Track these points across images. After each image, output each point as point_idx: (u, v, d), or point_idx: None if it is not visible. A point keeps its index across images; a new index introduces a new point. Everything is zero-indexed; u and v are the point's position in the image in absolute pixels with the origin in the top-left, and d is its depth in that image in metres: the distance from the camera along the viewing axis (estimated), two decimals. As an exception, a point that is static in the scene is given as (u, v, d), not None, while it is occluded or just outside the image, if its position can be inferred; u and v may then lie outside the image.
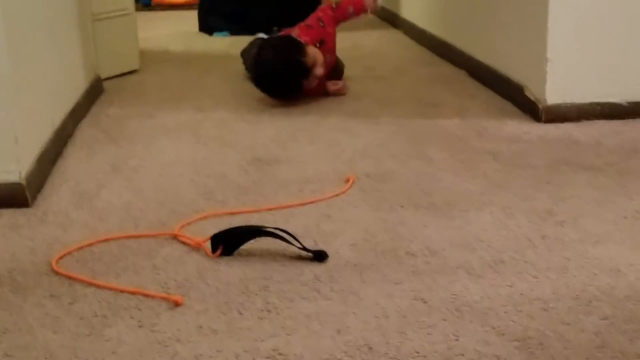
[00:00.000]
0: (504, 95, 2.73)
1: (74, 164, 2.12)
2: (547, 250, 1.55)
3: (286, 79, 2.66)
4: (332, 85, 2.87)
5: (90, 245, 1.58)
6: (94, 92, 2.86)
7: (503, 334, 1.24)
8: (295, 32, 2.81)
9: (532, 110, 2.49)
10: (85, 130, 2.45)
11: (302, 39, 2.73)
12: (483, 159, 2.11)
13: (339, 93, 2.88)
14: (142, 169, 2.07)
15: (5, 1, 1.75)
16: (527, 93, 2.53)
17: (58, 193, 1.88)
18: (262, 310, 1.32)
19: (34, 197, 1.82)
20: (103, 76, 3.10)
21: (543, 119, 2.43)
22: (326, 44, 2.82)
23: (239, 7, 4.35)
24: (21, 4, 1.93)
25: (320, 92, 2.86)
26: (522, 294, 1.37)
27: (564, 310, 1.31)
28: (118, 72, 3.28)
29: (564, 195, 1.84)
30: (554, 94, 2.42)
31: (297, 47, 2.67)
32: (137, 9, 3.51)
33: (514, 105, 2.62)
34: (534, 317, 1.29)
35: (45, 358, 1.17)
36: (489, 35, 2.93)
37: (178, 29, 4.58)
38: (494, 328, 1.26)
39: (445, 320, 1.28)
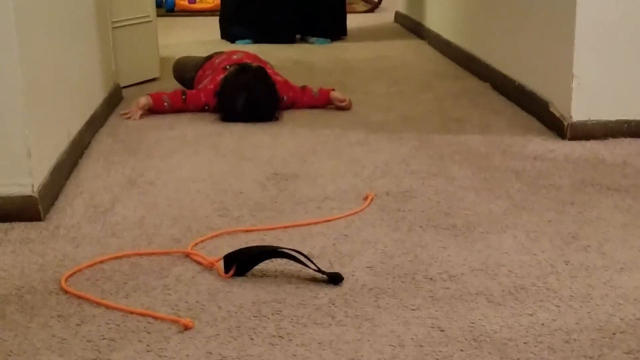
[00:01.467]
0: (529, 110, 2.67)
1: (90, 176, 2.09)
2: (570, 277, 1.49)
3: (273, 96, 2.65)
4: (338, 101, 2.83)
5: (101, 262, 1.55)
6: (113, 100, 2.84)
7: (523, 368, 1.19)
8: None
9: (557, 127, 2.43)
10: (102, 141, 2.43)
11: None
12: (506, 178, 2.06)
13: (340, 104, 2.83)
14: (158, 183, 2.04)
15: (19, 7, 1.72)
16: (552, 109, 2.47)
17: (72, 206, 1.86)
18: (274, 336, 1.28)
19: (47, 211, 1.80)
20: (122, 84, 3.08)
21: (568, 136, 2.37)
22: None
23: (261, 15, 4.33)
24: (36, 10, 1.91)
25: (325, 104, 2.84)
26: (543, 324, 1.32)
27: (587, 343, 1.26)
28: (138, 80, 3.26)
29: (589, 218, 1.78)
30: (580, 111, 2.37)
31: (264, 70, 2.70)
32: (159, 14, 3.49)
33: (539, 121, 2.56)
34: (556, 349, 1.24)
35: (50, 383, 1.14)
36: (515, 49, 2.88)
37: (200, 37, 4.57)
38: (513, 361, 1.21)
39: (462, 351, 1.24)
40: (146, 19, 3.28)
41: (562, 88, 2.40)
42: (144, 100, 2.70)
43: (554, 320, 1.33)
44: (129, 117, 2.67)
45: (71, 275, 1.49)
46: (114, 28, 3.02)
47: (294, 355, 1.22)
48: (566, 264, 1.55)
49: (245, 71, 2.65)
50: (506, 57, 2.98)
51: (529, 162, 2.19)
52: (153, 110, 2.71)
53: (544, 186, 1.99)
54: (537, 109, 2.60)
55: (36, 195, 1.75)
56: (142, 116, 2.67)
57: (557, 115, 2.43)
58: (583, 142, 2.34)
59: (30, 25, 1.83)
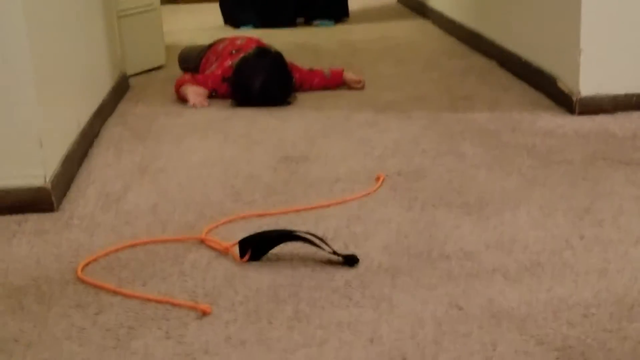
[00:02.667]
0: (536, 87, 2.66)
1: (100, 165, 2.10)
2: (585, 251, 1.49)
3: (289, 80, 2.65)
4: (352, 82, 2.83)
5: (116, 251, 1.56)
6: (120, 89, 2.84)
7: (542, 343, 1.19)
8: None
9: (565, 102, 2.42)
10: (111, 130, 2.43)
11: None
12: (517, 154, 2.05)
13: (356, 86, 2.83)
14: (169, 170, 2.04)
15: (28, 4, 1.72)
16: (560, 85, 2.46)
17: (84, 196, 1.86)
18: (292, 319, 1.28)
19: (60, 201, 1.81)
20: (129, 73, 3.08)
21: (577, 111, 2.36)
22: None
23: (262, 0, 4.31)
24: (44, 5, 1.90)
25: (338, 84, 2.84)
26: (561, 299, 1.32)
27: (605, 317, 1.26)
28: (144, 68, 3.26)
29: (602, 192, 1.77)
30: (588, 86, 2.35)
31: (281, 55, 2.69)
32: (162, 2, 3.48)
33: (547, 97, 2.55)
34: (574, 324, 1.24)
35: (72, 371, 1.15)
36: (521, 26, 2.86)
37: (204, 23, 4.55)
38: (532, 337, 1.21)
39: (481, 328, 1.24)
40: (151, 7, 3.27)
41: (569, 63, 2.39)
42: (190, 89, 2.67)
43: (571, 295, 1.33)
44: (195, 106, 2.65)
45: (87, 264, 1.50)
46: (119, 17, 3.01)
47: (313, 337, 1.23)
48: (581, 239, 1.54)
49: (264, 54, 2.65)
50: (512, 33, 2.96)
51: (539, 138, 2.18)
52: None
53: (555, 162, 1.99)
54: (544, 84, 2.59)
55: (49, 185, 1.75)
56: (203, 100, 2.67)
57: (566, 90, 2.42)
58: (592, 117, 2.33)
59: (40, 16, 1.83)
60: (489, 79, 2.88)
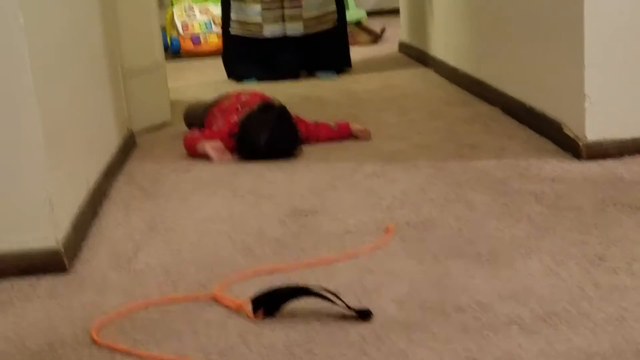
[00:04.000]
0: (542, 133, 2.67)
1: (111, 224, 2.10)
2: (601, 300, 1.48)
3: (295, 133, 2.68)
4: (358, 130, 2.86)
5: (129, 311, 1.55)
6: (128, 147, 2.86)
7: (563, 395, 1.17)
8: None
9: (572, 147, 2.43)
10: (120, 188, 2.44)
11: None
12: (526, 201, 2.05)
13: (362, 137, 2.86)
14: (179, 227, 2.05)
15: (36, 63, 1.75)
16: (566, 130, 2.47)
17: (95, 256, 1.87)
18: (309, 377, 1.27)
19: (72, 262, 1.81)
20: (135, 130, 3.11)
21: (584, 156, 2.36)
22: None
23: (264, 53, 4.36)
24: (52, 66, 1.93)
25: (345, 136, 2.87)
26: (579, 350, 1.31)
27: (625, 366, 1.25)
28: (150, 124, 3.29)
29: (614, 238, 1.77)
30: (594, 131, 2.36)
31: (285, 108, 2.73)
32: (165, 58, 3.52)
33: (553, 143, 2.56)
34: (595, 375, 1.23)
35: None
36: (524, 72, 2.89)
37: (208, 78, 4.61)
38: (553, 389, 1.19)
39: (500, 381, 1.23)
40: (155, 64, 3.32)
41: (574, 108, 2.40)
42: (209, 145, 2.71)
43: (589, 345, 1.32)
44: (221, 160, 2.68)
45: (101, 326, 1.49)
46: (124, 74, 3.05)
47: (331, 395, 1.21)
48: (596, 287, 1.53)
49: (268, 109, 2.68)
50: (515, 80, 2.99)
51: (547, 184, 2.19)
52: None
53: (565, 208, 1.99)
54: (550, 130, 2.60)
55: (60, 247, 1.76)
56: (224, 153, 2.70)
57: (572, 136, 2.43)
58: (600, 162, 2.33)
59: (48, 77, 1.85)
60: (494, 126, 2.90)
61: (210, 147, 2.69)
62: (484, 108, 3.22)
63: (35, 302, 1.62)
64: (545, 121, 2.64)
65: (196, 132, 2.80)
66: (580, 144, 2.37)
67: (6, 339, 1.46)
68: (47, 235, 1.75)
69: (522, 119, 2.88)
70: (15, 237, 1.74)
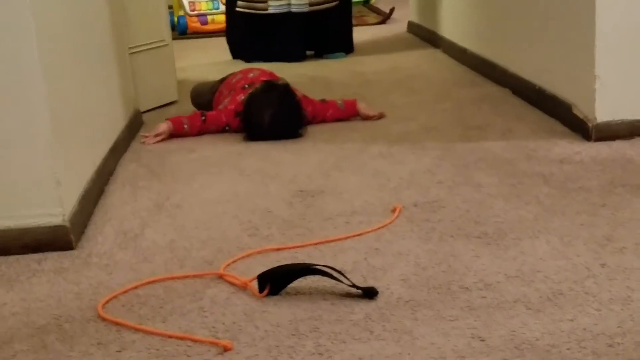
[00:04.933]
0: (551, 114, 2.66)
1: (117, 202, 2.10)
2: (608, 280, 1.48)
3: (299, 113, 2.66)
4: (366, 111, 2.85)
5: (135, 288, 1.56)
6: (134, 126, 2.86)
7: (568, 374, 1.17)
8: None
9: (581, 128, 2.41)
10: (126, 167, 2.44)
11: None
12: (534, 183, 2.04)
13: (371, 118, 2.84)
14: (185, 206, 2.05)
15: (43, 43, 1.74)
16: (575, 111, 2.46)
17: (102, 233, 1.87)
18: (314, 354, 1.27)
19: (78, 239, 1.81)
20: (142, 109, 3.10)
21: (593, 137, 2.35)
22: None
23: (270, 33, 4.34)
24: (59, 45, 1.93)
25: (352, 115, 2.86)
26: (585, 329, 1.30)
27: (631, 346, 1.24)
28: (157, 104, 3.28)
29: (622, 219, 1.76)
30: (604, 112, 2.35)
31: (290, 87, 2.72)
32: (172, 38, 3.51)
33: (563, 124, 2.54)
34: (600, 354, 1.22)
35: (94, 411, 1.14)
36: (534, 53, 2.86)
37: (215, 57, 4.59)
38: (558, 367, 1.19)
39: (505, 360, 1.22)
40: (162, 43, 3.31)
41: (584, 89, 2.39)
42: (163, 126, 2.71)
43: (595, 324, 1.31)
44: (145, 143, 2.68)
45: (107, 302, 1.50)
46: (131, 54, 3.04)
47: (336, 372, 1.22)
48: (603, 267, 1.53)
49: (271, 88, 2.66)
50: (525, 61, 2.97)
51: (555, 165, 2.18)
52: (173, 134, 2.72)
53: (573, 189, 1.98)
54: (559, 111, 2.58)
55: (67, 224, 1.76)
56: (162, 140, 2.68)
57: (581, 117, 2.42)
58: (609, 143, 2.32)
59: (55, 56, 1.85)
60: (503, 108, 2.88)
61: (156, 127, 2.71)
62: (493, 89, 3.21)
63: (42, 278, 1.63)
64: (554, 102, 2.63)
65: (196, 114, 2.78)
66: (590, 125, 2.36)
67: (13, 314, 1.47)
68: (54, 212, 1.75)
69: (531, 100, 2.86)
70: (23, 214, 1.75)
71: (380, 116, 2.86)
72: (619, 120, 2.35)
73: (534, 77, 2.85)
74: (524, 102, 2.91)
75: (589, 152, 2.26)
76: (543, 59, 2.77)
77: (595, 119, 2.35)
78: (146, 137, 2.71)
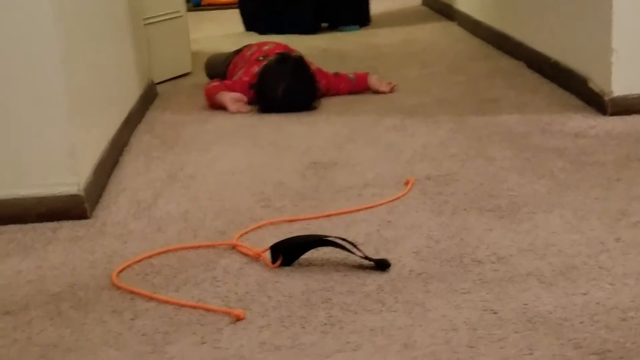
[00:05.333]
0: (566, 87, 2.64)
1: (131, 172, 2.11)
2: (622, 254, 1.47)
3: (313, 85, 2.64)
4: (377, 85, 2.83)
5: (149, 257, 1.57)
6: (148, 97, 2.86)
7: (580, 347, 1.17)
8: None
9: (597, 103, 2.39)
10: (140, 138, 2.45)
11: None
12: (548, 157, 2.03)
13: (383, 91, 2.83)
14: (198, 177, 2.05)
15: (58, 13, 1.74)
16: (591, 85, 2.43)
17: (116, 203, 1.88)
18: (326, 324, 1.28)
19: (93, 209, 1.82)
20: (156, 80, 3.10)
21: (609, 111, 2.33)
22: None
23: (284, 5, 4.31)
24: (73, 15, 1.92)
25: (364, 88, 2.84)
26: (598, 303, 1.30)
27: (644, 320, 1.24)
28: (171, 75, 3.28)
29: (637, 194, 1.75)
30: (620, 86, 2.32)
31: (303, 59, 2.71)
32: (187, 9, 3.50)
33: (578, 98, 2.52)
34: (613, 328, 1.22)
35: (109, 378, 1.16)
36: (550, 26, 2.83)
37: (229, 29, 4.58)
38: (569, 341, 1.19)
39: (517, 332, 1.22)
40: (177, 14, 3.30)
41: (600, 63, 2.36)
42: (228, 96, 2.68)
43: (608, 298, 1.31)
44: (238, 112, 2.66)
45: (121, 270, 1.51)
46: (145, 25, 3.04)
47: (347, 342, 1.22)
48: (617, 241, 1.52)
49: (285, 61, 2.65)
50: (540, 34, 2.94)
51: (570, 139, 2.16)
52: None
53: (588, 163, 1.97)
54: (575, 85, 2.56)
55: (82, 193, 1.77)
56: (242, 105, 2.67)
57: (597, 90, 2.39)
58: (625, 117, 2.30)
59: (69, 26, 1.85)
60: (517, 81, 2.86)
61: (228, 97, 2.68)
62: (507, 62, 3.18)
63: (57, 246, 1.64)
64: (570, 76, 2.60)
65: (217, 82, 2.79)
66: (606, 98, 2.34)
67: (29, 282, 1.48)
68: (69, 181, 1.76)
69: (546, 73, 2.83)
70: (38, 183, 1.76)
71: (392, 89, 2.85)
72: (635, 94, 2.32)
73: (549, 50, 2.82)
74: (539, 75, 2.88)
75: (604, 127, 2.24)
76: (558, 32, 2.74)
77: (612, 92, 2.33)
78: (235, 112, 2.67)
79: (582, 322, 1.24)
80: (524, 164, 2.00)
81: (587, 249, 1.50)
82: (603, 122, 2.29)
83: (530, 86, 2.77)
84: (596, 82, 2.41)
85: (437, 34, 4.05)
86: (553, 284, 1.37)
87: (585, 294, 1.33)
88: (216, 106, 2.71)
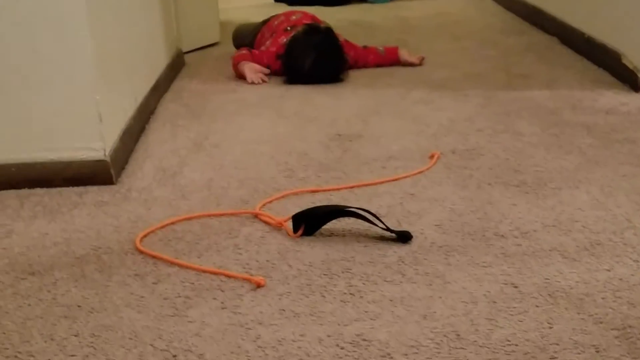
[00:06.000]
0: (599, 63, 2.59)
1: (157, 140, 2.12)
2: (648, 232, 1.45)
3: (341, 57, 2.62)
4: (407, 58, 2.81)
5: (173, 223, 1.58)
6: (176, 66, 2.87)
7: (601, 322, 1.17)
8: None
9: (630, 79, 2.35)
10: (167, 106, 2.46)
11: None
12: (577, 133, 2.01)
13: (413, 64, 2.81)
14: (223, 146, 2.06)
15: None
16: (624, 61, 2.39)
17: (141, 170, 1.89)
18: (345, 294, 1.28)
19: (118, 174, 1.84)
20: (184, 49, 3.11)
21: (642, 88, 2.29)
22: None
23: None
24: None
25: (393, 62, 2.82)
26: (621, 279, 1.29)
27: (667, 298, 1.23)
28: (199, 45, 3.28)
29: (666, 172, 1.72)
30: (654, 62, 2.28)
31: (332, 31, 2.68)
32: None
33: (610, 74, 2.48)
34: (635, 304, 1.21)
35: (130, 338, 1.17)
36: (584, 0, 2.78)
37: (258, 0, 4.56)
38: (591, 316, 1.18)
39: (538, 307, 1.22)
40: (206, -16, 3.29)
41: (634, 39, 2.32)
42: (249, 67, 2.68)
43: (632, 275, 1.30)
44: (256, 83, 2.66)
45: (145, 236, 1.52)
46: (175, -6, 3.04)
47: (366, 311, 1.23)
48: (643, 219, 1.50)
49: (314, 32, 2.64)
50: (574, 9, 2.89)
51: (600, 116, 2.13)
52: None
53: (617, 140, 1.94)
54: (608, 61, 2.52)
55: (108, 159, 1.79)
56: (260, 76, 2.68)
57: (630, 67, 2.35)
58: (657, 95, 2.26)
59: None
60: (549, 56, 2.82)
61: (248, 67, 2.68)
62: (540, 37, 3.13)
63: (83, 210, 1.66)
64: (603, 51, 2.56)
65: (245, 51, 2.78)
66: (639, 75, 2.29)
67: (55, 244, 1.51)
68: (96, 147, 1.78)
69: (579, 48, 2.79)
70: (66, 148, 1.78)
71: (421, 61, 2.82)
72: (669, 71, 2.28)
73: (583, 26, 2.77)
74: (571, 50, 2.84)
75: (636, 104, 2.21)
76: (592, 7, 2.69)
77: (645, 69, 2.29)
78: (254, 82, 2.67)
79: (604, 298, 1.23)
80: (552, 139, 1.97)
81: (613, 225, 1.48)
82: (635, 99, 2.24)
83: (563, 62, 2.72)
84: (630, 58, 2.36)
85: (469, 7, 3.99)
86: (576, 260, 1.36)
87: (608, 270, 1.32)
88: (239, 74, 2.71)
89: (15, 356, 1.13)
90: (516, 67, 2.72)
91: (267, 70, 2.69)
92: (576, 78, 2.51)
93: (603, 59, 2.56)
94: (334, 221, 1.54)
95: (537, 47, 2.98)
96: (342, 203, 1.63)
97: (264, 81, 2.66)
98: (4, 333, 1.20)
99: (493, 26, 3.48)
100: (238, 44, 3.07)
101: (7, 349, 1.15)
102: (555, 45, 2.97)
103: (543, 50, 2.92)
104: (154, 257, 1.43)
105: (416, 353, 1.11)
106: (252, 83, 2.65)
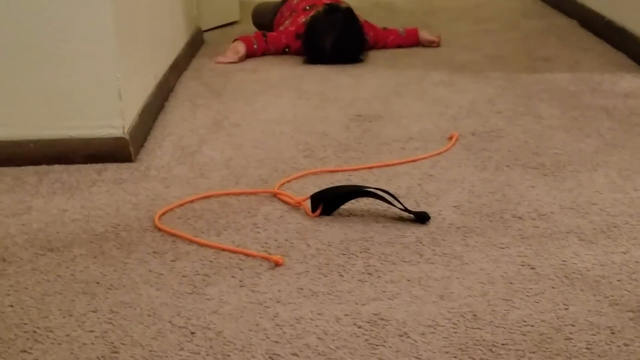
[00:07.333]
0: (619, 47, 2.57)
1: (176, 118, 2.14)
2: (667, 216, 1.45)
3: (361, 37, 2.62)
4: (427, 39, 2.80)
5: (192, 201, 1.59)
6: (195, 44, 2.87)
7: (617, 304, 1.17)
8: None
9: (651, 63, 2.33)
10: (187, 84, 2.46)
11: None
12: (597, 116, 1.99)
13: (432, 45, 2.80)
14: (243, 125, 2.07)
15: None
16: (646, 45, 2.37)
17: (161, 148, 1.91)
18: (363, 273, 1.29)
19: (137, 152, 1.85)
20: (204, 28, 3.11)
21: (664, 72, 2.27)
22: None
23: None
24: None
25: (413, 44, 2.81)
26: (637, 262, 1.29)
27: (685, 282, 1.22)
28: (219, 23, 3.28)
29: (687, 157, 1.71)
30: (677, 46, 2.26)
31: (352, 11, 2.68)
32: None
33: (630, 58, 2.46)
34: (652, 288, 1.21)
35: (149, 315, 1.19)
36: (606, -17, 2.75)
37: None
38: (606, 297, 1.18)
39: (554, 288, 1.22)
40: (226, -38, 3.28)
41: (657, 22, 2.29)
42: (241, 46, 2.70)
43: (649, 258, 1.30)
44: (222, 62, 2.68)
45: (164, 213, 1.54)
46: (195, -28, 3.03)
47: (384, 291, 1.23)
48: (662, 203, 1.50)
49: (334, 11, 2.63)
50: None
51: (620, 100, 2.11)
52: (248, 54, 2.72)
53: (637, 124, 1.92)
54: (628, 45, 2.49)
55: (127, 136, 1.80)
56: (239, 61, 2.68)
57: (652, 50, 2.33)
58: (679, 79, 2.24)
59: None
60: (570, 40, 2.79)
61: (233, 46, 2.68)
62: (561, 20, 3.10)
63: (102, 187, 1.68)
64: (624, 35, 2.53)
65: (259, 34, 2.78)
66: (660, 59, 2.27)
67: (74, 221, 1.52)
68: (115, 124, 1.79)
69: (599, 32, 2.76)
70: (85, 125, 1.79)
71: (439, 39, 2.82)
72: (692, 55, 2.26)
73: (604, 9, 2.74)
74: (592, 34, 2.81)
75: (657, 88, 2.19)
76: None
77: (668, 53, 2.26)
78: (222, 58, 2.69)
79: (620, 280, 1.23)
80: (572, 122, 1.96)
81: (630, 208, 1.48)
82: (656, 82, 2.23)
83: (583, 45, 2.70)
84: (652, 42, 2.34)
85: (490, -11, 3.95)
86: (593, 242, 1.36)
87: (625, 252, 1.32)
88: (251, 54, 2.72)
89: (34, 331, 1.15)
90: (538, 50, 2.70)
91: (243, 57, 2.68)
92: (597, 61, 2.49)
93: (623, 43, 2.54)
94: (352, 201, 1.54)
95: (558, 30, 2.96)
96: (361, 183, 1.64)
97: (224, 60, 2.67)
98: (23, 308, 1.22)
99: (515, 9, 3.45)
100: (257, 23, 3.07)
101: (26, 324, 1.17)
102: (576, 28, 2.95)
103: (564, 33, 2.90)
104: (172, 234, 1.45)
105: (433, 332, 1.12)
106: (220, 62, 2.65)
